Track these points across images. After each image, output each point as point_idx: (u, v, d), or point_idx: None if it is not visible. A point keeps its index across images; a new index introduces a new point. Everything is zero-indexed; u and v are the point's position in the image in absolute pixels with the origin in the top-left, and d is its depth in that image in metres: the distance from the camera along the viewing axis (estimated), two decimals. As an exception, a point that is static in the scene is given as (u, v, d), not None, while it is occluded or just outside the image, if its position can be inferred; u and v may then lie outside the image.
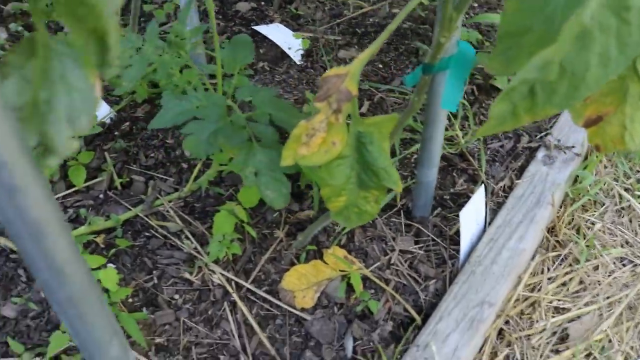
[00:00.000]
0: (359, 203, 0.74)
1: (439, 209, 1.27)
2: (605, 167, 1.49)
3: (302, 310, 1.09)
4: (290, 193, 1.27)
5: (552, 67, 0.46)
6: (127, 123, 1.48)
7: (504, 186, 1.32)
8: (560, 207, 1.35)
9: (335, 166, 0.69)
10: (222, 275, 1.14)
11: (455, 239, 1.21)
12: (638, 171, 1.47)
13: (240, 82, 1.11)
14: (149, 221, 1.23)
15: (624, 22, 0.45)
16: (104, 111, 1.49)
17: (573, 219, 1.36)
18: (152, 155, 1.40)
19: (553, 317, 1.17)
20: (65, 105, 0.41)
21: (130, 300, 1.10)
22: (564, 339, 1.14)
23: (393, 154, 1.38)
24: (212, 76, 1.22)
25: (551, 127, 1.48)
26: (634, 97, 0.68)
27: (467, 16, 1.89)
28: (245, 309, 1.09)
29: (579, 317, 1.18)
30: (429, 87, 1.02)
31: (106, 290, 1.04)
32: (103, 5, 0.37)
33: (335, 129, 0.62)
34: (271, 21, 1.89)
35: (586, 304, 1.20)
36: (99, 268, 1.06)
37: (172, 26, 1.14)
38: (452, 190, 1.31)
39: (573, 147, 1.39)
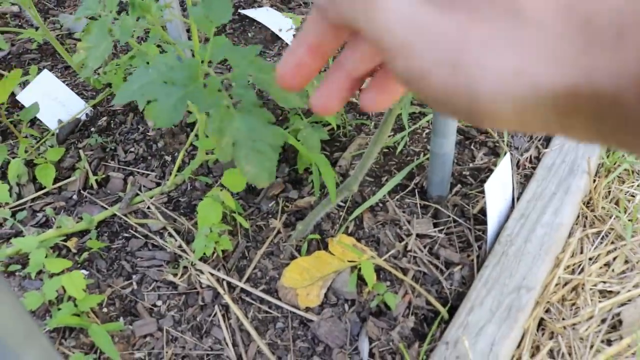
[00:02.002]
0: None
1: (458, 186, 1.11)
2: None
3: (307, 310, 0.93)
4: (287, 178, 1.12)
5: None
6: (104, 118, 1.33)
7: (531, 157, 1.16)
8: (594, 179, 1.18)
9: None
10: (212, 274, 0.98)
11: (479, 219, 1.05)
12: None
13: (218, 44, 0.95)
14: (128, 220, 1.08)
15: None
16: (78, 107, 1.34)
17: (610, 191, 1.19)
18: (131, 149, 1.25)
19: (600, 301, 1.00)
20: None
21: (104, 309, 0.94)
22: (616, 326, 0.97)
23: (402, 128, 1.22)
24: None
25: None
26: None
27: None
28: (239, 313, 0.92)
29: (630, 300, 1.01)
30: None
31: (73, 300, 0.88)
32: None
33: None
34: (260, 6, 1.74)
35: (636, 286, 1.03)
36: (62, 272, 0.90)
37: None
38: (471, 164, 1.15)
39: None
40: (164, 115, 0.73)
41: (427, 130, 1.22)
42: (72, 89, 1.38)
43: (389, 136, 1.20)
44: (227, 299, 0.94)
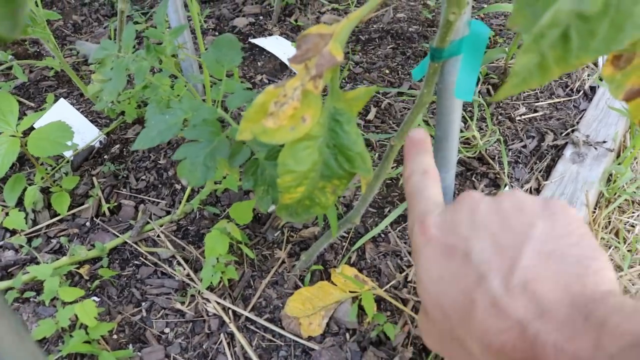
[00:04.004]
0: (314, 195, 0.62)
1: (459, 217, 1.14)
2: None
3: (309, 339, 0.96)
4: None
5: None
6: (117, 146, 1.38)
7: (530, 188, 1.19)
8: (595, 209, 1.21)
9: (302, 149, 0.56)
10: (218, 303, 1.01)
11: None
12: (679, 166, 1.32)
13: (230, 88, 0.99)
14: (138, 248, 1.12)
15: None
16: (92, 134, 1.39)
17: (610, 221, 1.22)
18: (142, 177, 1.29)
19: (598, 333, 1.02)
20: None
21: (114, 336, 0.97)
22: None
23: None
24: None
25: (577, 122, 1.35)
26: (689, 57, 0.55)
27: (475, 6, 1.78)
28: (244, 341, 0.95)
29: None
30: (439, 77, 0.90)
31: (85, 327, 0.92)
32: None
33: (309, 100, 0.50)
34: (270, 34, 1.79)
35: (634, 317, 1.05)
36: (75, 301, 0.94)
37: (153, 27, 1.04)
38: (472, 196, 1.18)
39: (604, 142, 1.25)
40: (197, 173, 0.77)
41: (429, 162, 1.25)
42: (86, 117, 1.43)
43: (392, 167, 1.23)
44: (232, 327, 0.97)
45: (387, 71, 1.57)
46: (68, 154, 1.33)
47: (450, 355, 0.37)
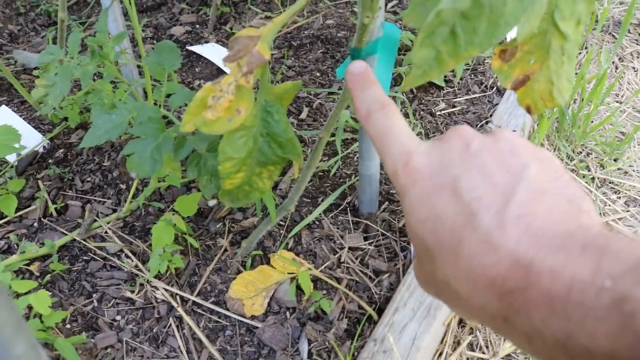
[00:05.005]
0: (252, 180, 0.72)
1: (386, 203, 1.25)
2: (547, 150, 1.50)
3: (253, 318, 1.05)
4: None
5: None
6: (61, 150, 1.43)
7: (449, 176, 1.31)
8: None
9: (238, 137, 0.65)
10: (166, 290, 1.08)
11: (405, 231, 1.19)
12: (579, 152, 1.48)
13: (171, 89, 1.07)
14: (87, 244, 1.17)
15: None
16: (35, 140, 1.43)
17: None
18: (88, 179, 1.34)
19: (510, 300, 1.15)
20: None
21: (67, 326, 1.03)
22: (523, 320, 1.12)
23: (335, 153, 1.36)
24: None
25: (491, 115, 1.49)
26: (557, 51, 0.67)
27: (398, 12, 1.91)
28: (192, 323, 1.03)
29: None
30: (360, 75, 1.01)
31: (39, 316, 0.98)
32: None
33: (243, 94, 0.59)
34: (207, 42, 1.87)
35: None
36: (29, 292, 1.00)
37: (92, 36, 1.10)
38: (398, 184, 1.29)
39: (514, 130, 1.39)
40: (145, 166, 0.85)
41: (357, 155, 1.36)
42: (29, 123, 1.47)
43: (324, 160, 1.33)
44: (180, 311, 1.05)
45: (318, 74, 1.68)
46: (12, 158, 1.37)
47: (443, 298, 0.36)
